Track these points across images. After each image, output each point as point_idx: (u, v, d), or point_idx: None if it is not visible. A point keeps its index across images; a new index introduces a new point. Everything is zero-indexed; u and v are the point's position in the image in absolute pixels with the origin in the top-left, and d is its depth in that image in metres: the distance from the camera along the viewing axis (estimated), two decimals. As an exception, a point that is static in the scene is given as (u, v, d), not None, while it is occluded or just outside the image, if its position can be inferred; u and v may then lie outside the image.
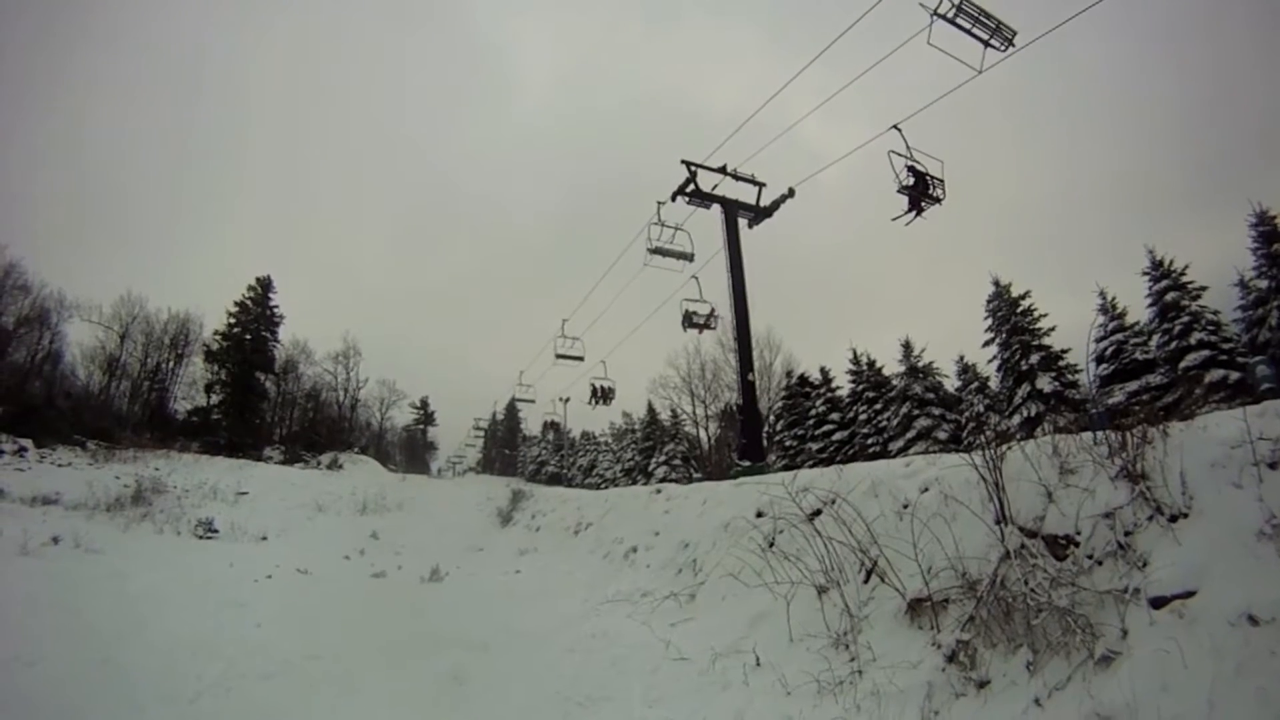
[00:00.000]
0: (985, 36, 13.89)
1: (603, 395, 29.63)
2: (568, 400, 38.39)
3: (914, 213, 15.52)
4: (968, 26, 13.74)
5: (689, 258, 19.87)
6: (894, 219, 15.61)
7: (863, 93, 15.24)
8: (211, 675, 7.61)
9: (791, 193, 19.01)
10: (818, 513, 8.52)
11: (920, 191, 15.39)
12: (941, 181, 15.50)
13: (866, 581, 7.01)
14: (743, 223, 19.43)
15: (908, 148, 15.37)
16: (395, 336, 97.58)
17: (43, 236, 71.07)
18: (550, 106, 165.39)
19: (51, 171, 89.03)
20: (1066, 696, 4.26)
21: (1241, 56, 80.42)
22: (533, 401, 35.59)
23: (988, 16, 13.69)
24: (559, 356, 26.23)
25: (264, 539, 23.53)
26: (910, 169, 15.21)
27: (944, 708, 4.85)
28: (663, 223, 19.43)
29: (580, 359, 26.23)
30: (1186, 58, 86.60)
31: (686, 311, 21.02)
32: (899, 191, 15.37)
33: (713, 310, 21.28)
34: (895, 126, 15.52)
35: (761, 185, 19.49)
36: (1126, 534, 4.87)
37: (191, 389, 52.56)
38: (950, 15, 13.61)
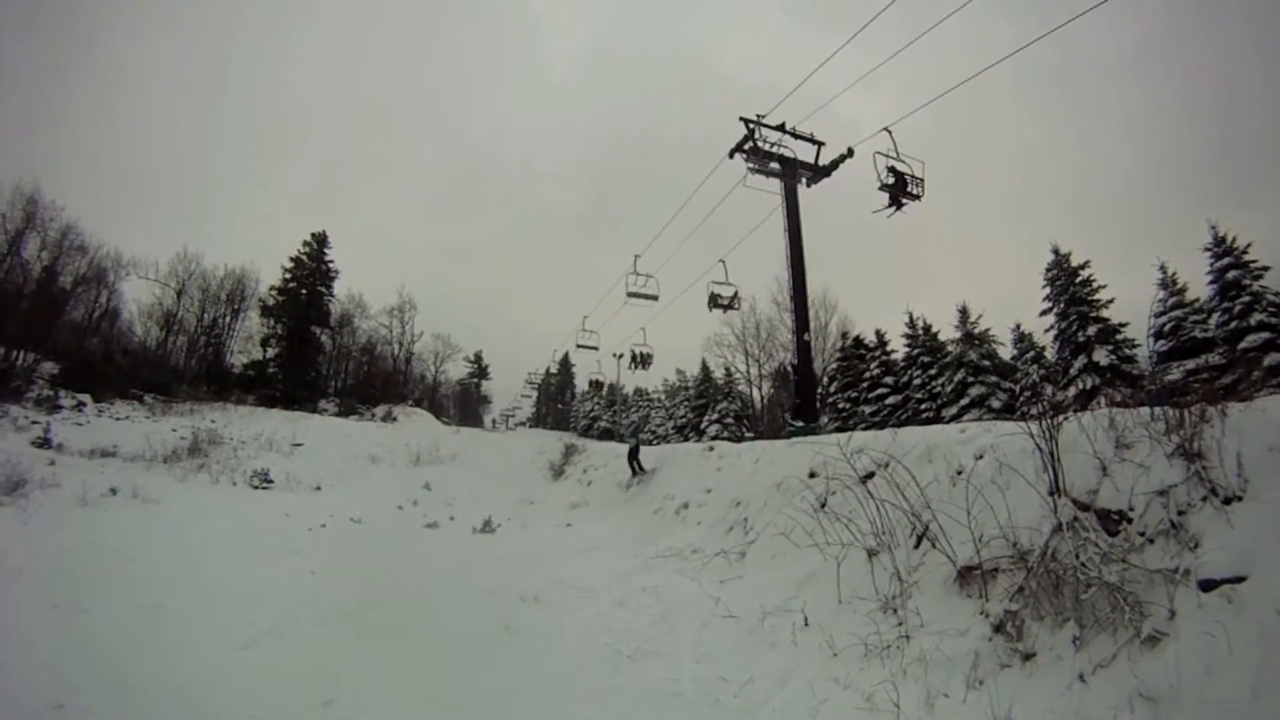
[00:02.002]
0: None
1: (641, 360, 29.87)
2: (620, 357, 38.22)
3: (893, 207, 16.81)
4: None
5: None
6: (874, 212, 16.87)
7: (912, 54, 15.00)
8: (265, 621, 7.78)
9: (851, 152, 18.64)
10: (871, 475, 8.54)
11: (900, 189, 16.64)
12: (921, 180, 16.74)
13: (917, 546, 7.03)
14: (801, 182, 19.17)
15: (895, 149, 16.59)
16: (449, 293, 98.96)
17: (100, 198, 72.33)
18: (581, 74, 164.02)
19: (107, 134, 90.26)
20: (1111, 674, 4.29)
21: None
22: (595, 349, 34.73)
23: None
24: (631, 295, 24.81)
25: (318, 489, 24.02)
26: (891, 169, 16.43)
27: (989, 678, 4.88)
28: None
29: (654, 298, 24.92)
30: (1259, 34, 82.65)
31: (712, 294, 21.90)
32: (880, 188, 16.54)
33: (736, 292, 22.17)
34: (886, 129, 16.69)
35: (820, 144, 19.13)
36: (1179, 513, 4.85)
37: (248, 343, 53.68)
38: None
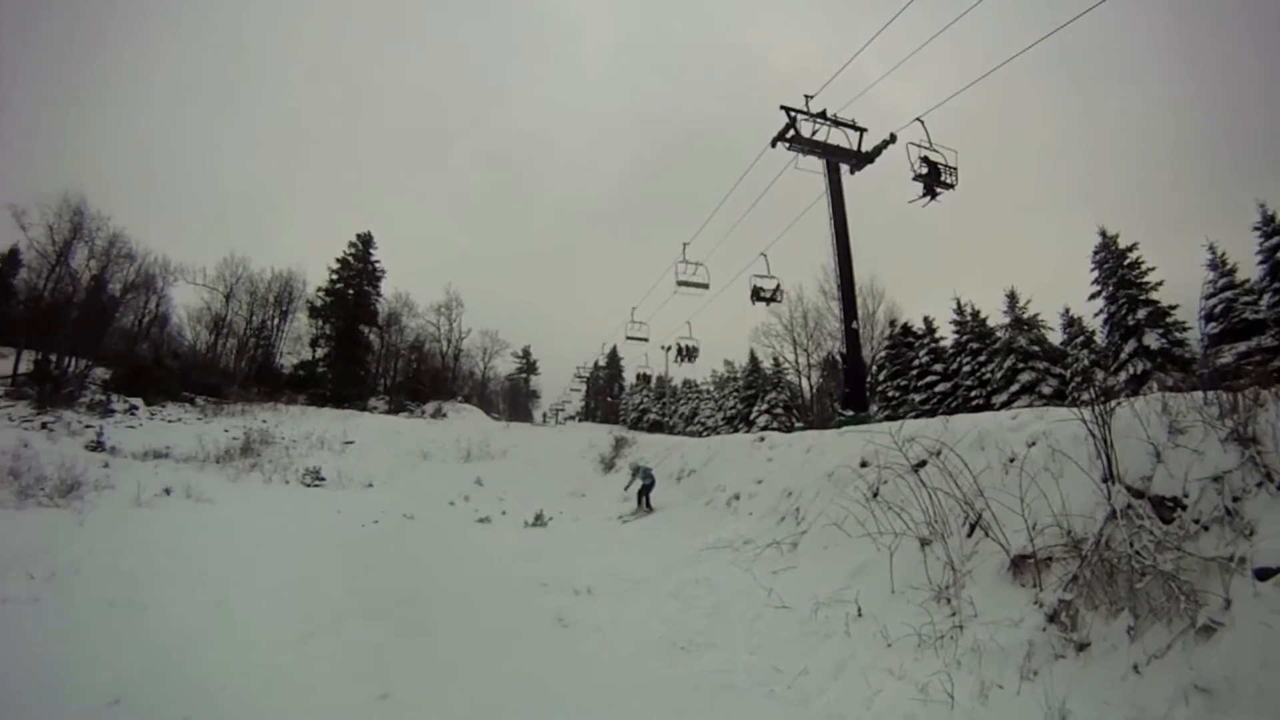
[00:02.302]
0: None
1: (688, 353, 29.84)
2: (669, 349, 38.11)
3: (928, 197, 17.14)
4: None
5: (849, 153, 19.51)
6: (910, 202, 17.26)
7: (948, 37, 14.74)
8: (320, 617, 7.88)
9: (893, 138, 18.44)
10: (923, 463, 8.50)
11: (934, 179, 16.99)
12: (954, 169, 17.04)
13: (970, 535, 7.00)
14: (845, 169, 19.06)
15: (928, 138, 16.96)
16: (496, 289, 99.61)
17: (146, 207, 74.39)
18: (614, 70, 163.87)
19: (151, 144, 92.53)
20: (1166, 665, 4.26)
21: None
22: (645, 340, 34.44)
23: None
24: (681, 284, 24.40)
25: (370, 486, 24.49)
26: (924, 159, 16.75)
27: (1043, 668, 4.88)
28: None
29: (705, 286, 24.47)
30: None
31: (755, 287, 21.90)
32: (914, 179, 16.92)
33: (778, 285, 22.07)
34: (919, 119, 17.04)
35: (862, 130, 18.97)
36: (1235, 500, 4.78)
37: (297, 344, 54.94)
38: None
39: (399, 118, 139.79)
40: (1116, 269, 32.91)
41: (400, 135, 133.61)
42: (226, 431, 30.67)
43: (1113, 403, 6.31)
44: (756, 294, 22.11)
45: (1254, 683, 3.70)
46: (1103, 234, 34.03)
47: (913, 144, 16.75)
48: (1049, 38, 13.59)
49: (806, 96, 18.96)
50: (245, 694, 5.61)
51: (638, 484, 18.17)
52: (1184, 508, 5.09)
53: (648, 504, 17.73)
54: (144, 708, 5.17)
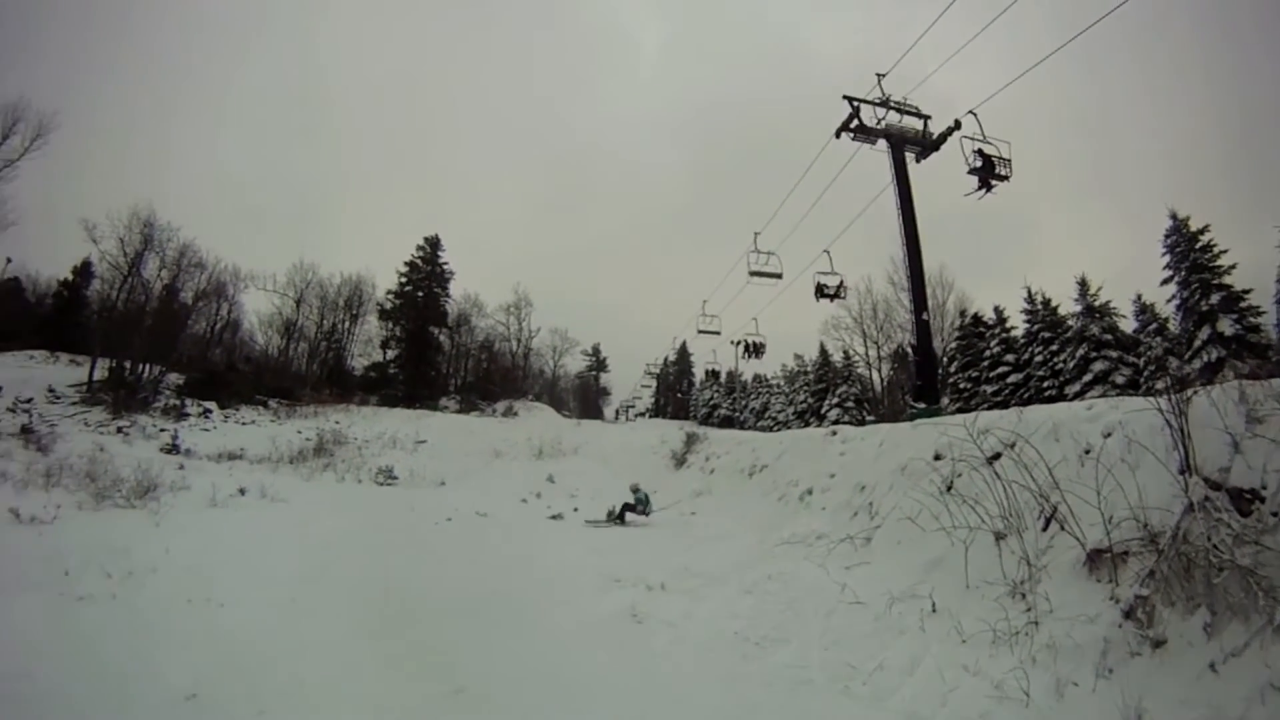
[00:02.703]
0: None
1: (754, 350, 29.67)
2: (739, 344, 37.83)
3: (984, 189, 17.29)
4: None
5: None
6: (965, 195, 17.41)
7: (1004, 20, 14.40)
8: (393, 613, 8.19)
9: (958, 124, 18.13)
10: (997, 456, 8.43)
11: (988, 172, 17.08)
12: (1008, 161, 17.10)
13: (1045, 529, 6.93)
14: (910, 158, 18.85)
15: (981, 131, 17.06)
16: (564, 289, 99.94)
17: (215, 218, 76.63)
18: (667, 69, 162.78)
19: (218, 156, 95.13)
20: (1243, 664, 4.21)
21: None
22: (717, 333, 33.91)
23: None
24: (753, 274, 23.54)
25: (442, 484, 24.95)
26: (978, 152, 16.85)
27: (1119, 666, 4.84)
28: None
29: (778, 276, 23.52)
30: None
31: (819, 284, 22.06)
32: (969, 173, 16.98)
33: (841, 282, 22.16)
34: (971, 112, 17.23)
35: (927, 117, 18.75)
36: (1316, 492, 4.69)
37: (367, 346, 56.58)
38: None
39: (462, 123, 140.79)
40: (1188, 253, 31.85)
41: (464, 140, 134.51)
42: (300, 433, 31.50)
43: (1189, 391, 6.18)
44: (820, 291, 22.22)
45: (1333, 682, 3.64)
46: (1173, 217, 33.00)
47: (966, 137, 16.93)
48: (1108, 16, 13.33)
49: (879, 75, 18.89)
50: (320, 689, 5.78)
51: (634, 499, 17.92)
52: (1262, 500, 5.00)
53: (620, 518, 17.45)
54: (220, 702, 5.35)
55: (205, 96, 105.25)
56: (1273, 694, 3.85)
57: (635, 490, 18.09)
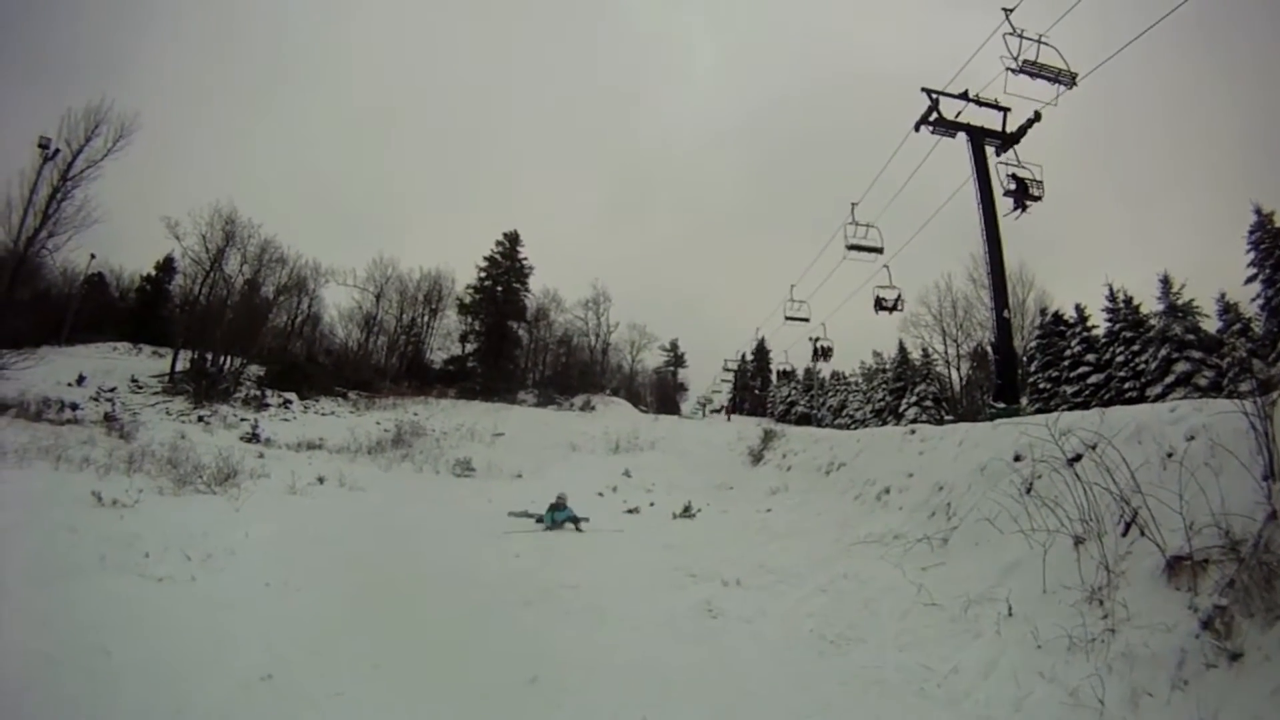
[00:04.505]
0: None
1: (823, 353, 29.63)
2: (817, 340, 37.42)
3: (1019, 210, 18.17)
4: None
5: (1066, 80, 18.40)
6: (1004, 215, 18.31)
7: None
8: (476, 600, 8.47)
9: (1038, 116, 17.75)
10: (1079, 458, 8.33)
11: (1022, 193, 17.95)
12: (1040, 183, 18.13)
13: (1125, 534, 6.83)
14: (990, 152, 18.54)
15: (1016, 156, 18.20)
16: (643, 285, 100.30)
17: (297, 216, 78.86)
18: (725, 76, 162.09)
19: (301, 155, 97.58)
20: (1320, 680, 4.14)
21: None
22: (806, 320, 32.76)
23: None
24: (851, 247, 22.87)
25: (519, 477, 25.47)
26: (1012, 176, 17.85)
27: (1194, 678, 4.78)
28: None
29: (879, 250, 23.00)
30: None
31: (878, 297, 22.81)
32: (1005, 195, 18.14)
33: (899, 294, 23.05)
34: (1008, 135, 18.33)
35: (1006, 110, 18.36)
36: (1406, 502, 4.59)
37: (446, 340, 58.18)
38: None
39: (533, 130, 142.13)
40: (1274, 249, 30.57)
41: (537, 147, 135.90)
42: (378, 424, 32.51)
43: (1274, 394, 6.06)
44: (879, 304, 22.88)
45: None
46: (1258, 212, 31.86)
47: (1002, 162, 18.12)
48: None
49: (935, 93, 18.69)
50: (397, 673, 6.01)
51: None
52: (1348, 510, 4.90)
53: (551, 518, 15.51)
54: (295, 682, 5.59)
55: (288, 98, 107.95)
56: (1348, 710, 3.81)
57: (558, 502, 16.00)
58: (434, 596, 8.71)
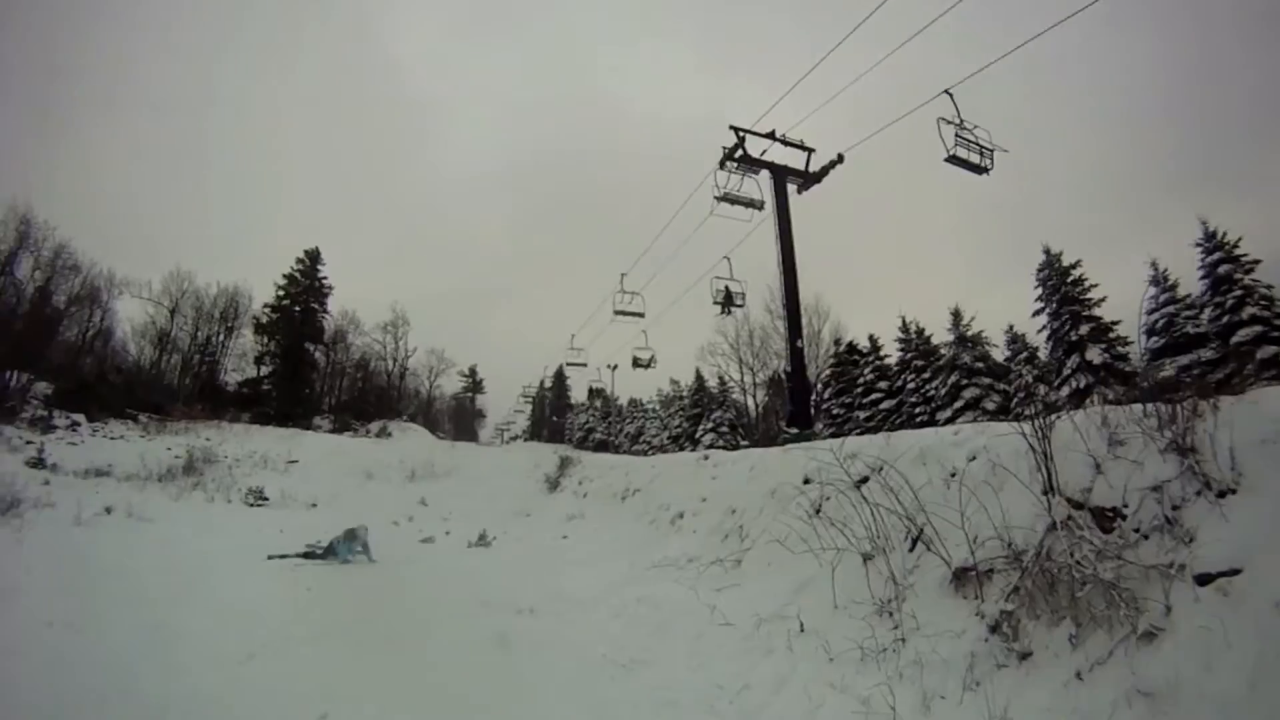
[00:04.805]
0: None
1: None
2: (615, 368, 38.31)
3: (726, 313, 19.41)
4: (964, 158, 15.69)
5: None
6: (716, 315, 19.35)
7: (906, 56, 14.93)
8: (261, 638, 7.74)
9: (841, 158, 18.77)
10: (865, 480, 8.48)
11: (729, 301, 18.68)
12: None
13: (912, 550, 6.97)
14: (791, 189, 19.26)
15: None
16: (441, 311, 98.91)
17: (92, 216, 72.50)
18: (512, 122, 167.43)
19: (97, 151, 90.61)
20: (1108, 671, 4.26)
21: None
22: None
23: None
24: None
25: (314, 506, 24.53)
26: (723, 289, 17.80)
27: (986, 678, 4.86)
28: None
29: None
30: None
31: (634, 357, 25.02)
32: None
33: (653, 355, 25.41)
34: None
35: (810, 151, 19.24)
36: (1174, 508, 4.81)
37: (242, 361, 53.84)
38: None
39: (331, 148, 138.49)
40: (1060, 286, 33.71)
41: (337, 175, 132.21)
42: (169, 450, 30.23)
43: (1052, 417, 6.35)
44: (635, 362, 25.60)
45: (1195, 685, 3.72)
46: (1046, 252, 35.00)
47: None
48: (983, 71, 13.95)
49: (742, 131, 19.27)
50: (184, 716, 5.52)
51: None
52: (1124, 517, 5.11)
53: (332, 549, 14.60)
54: None
55: (84, 86, 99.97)
56: (1138, 698, 3.89)
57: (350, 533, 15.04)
58: (222, 633, 7.95)
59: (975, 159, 15.84)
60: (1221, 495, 4.63)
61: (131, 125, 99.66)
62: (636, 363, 30.24)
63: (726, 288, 21.22)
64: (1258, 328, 27.74)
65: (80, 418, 34.07)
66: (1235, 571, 4.10)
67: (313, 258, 55.91)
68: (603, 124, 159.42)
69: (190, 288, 51.61)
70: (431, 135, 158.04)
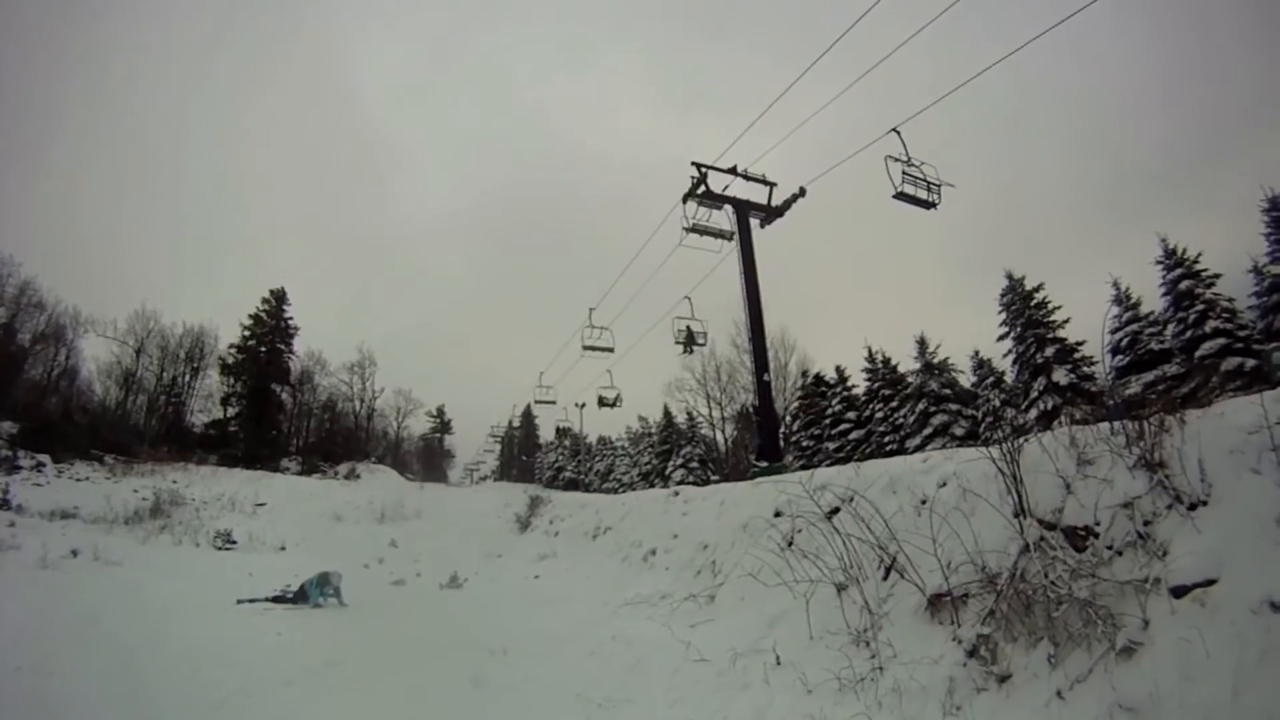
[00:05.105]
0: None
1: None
2: (584, 406, 38.27)
3: (688, 352, 19.80)
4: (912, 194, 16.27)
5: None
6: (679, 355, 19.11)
7: (859, 92, 15.24)
8: (232, 683, 7.58)
9: (803, 192, 19.05)
10: (836, 510, 8.49)
11: (690, 341, 19.10)
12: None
13: (886, 578, 6.97)
14: (755, 223, 19.45)
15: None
16: (408, 352, 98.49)
17: (57, 254, 71.49)
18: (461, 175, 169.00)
19: (62, 189, 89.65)
20: (1088, 688, 4.25)
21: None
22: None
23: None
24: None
25: (282, 549, 24.07)
26: (685, 329, 18.00)
27: (965, 703, 4.82)
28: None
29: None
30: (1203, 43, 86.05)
31: (600, 396, 25.67)
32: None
33: (618, 394, 26.42)
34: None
35: (772, 185, 19.53)
36: (1145, 523, 4.83)
37: (208, 402, 52.99)
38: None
39: (296, 186, 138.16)
40: (1023, 310, 34.11)
41: (309, 199, 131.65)
42: (136, 492, 29.72)
43: (1021, 439, 6.38)
44: (601, 401, 26.34)
45: (1176, 697, 3.70)
46: (1009, 276, 35.47)
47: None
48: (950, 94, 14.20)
49: (704, 167, 19.47)
50: None
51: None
52: (1096, 535, 5.13)
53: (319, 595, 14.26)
54: None
55: (49, 120, 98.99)
56: (1121, 713, 3.87)
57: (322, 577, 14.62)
58: (189, 679, 7.74)
59: (923, 195, 16.49)
60: (1193, 508, 4.65)
61: (97, 162, 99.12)
62: (602, 402, 30.32)
63: (688, 327, 21.54)
64: (1221, 340, 28.27)
65: (45, 458, 33.57)
66: (1211, 582, 4.11)
67: (278, 298, 55.39)
68: (561, 161, 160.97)
69: (156, 327, 50.92)
70: (392, 176, 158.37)
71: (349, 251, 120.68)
